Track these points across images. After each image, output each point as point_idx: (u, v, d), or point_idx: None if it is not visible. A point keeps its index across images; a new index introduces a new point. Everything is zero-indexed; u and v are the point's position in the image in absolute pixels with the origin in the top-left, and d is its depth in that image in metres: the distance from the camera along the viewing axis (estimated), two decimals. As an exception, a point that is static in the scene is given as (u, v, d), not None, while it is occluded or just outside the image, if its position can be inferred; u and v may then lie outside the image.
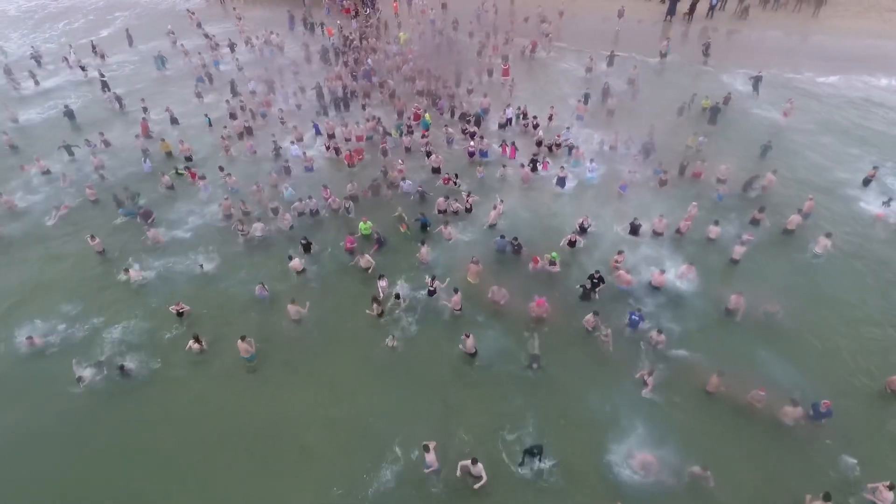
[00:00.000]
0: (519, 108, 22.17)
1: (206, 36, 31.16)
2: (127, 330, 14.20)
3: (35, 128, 24.20)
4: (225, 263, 16.20)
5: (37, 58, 29.46)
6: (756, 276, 14.96)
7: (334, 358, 13.42)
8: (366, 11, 34.08)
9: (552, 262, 14.95)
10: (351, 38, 29.71)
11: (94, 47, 30.13)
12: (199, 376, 13.11)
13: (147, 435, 11.93)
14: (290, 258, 15.36)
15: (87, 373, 12.88)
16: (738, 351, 12.99)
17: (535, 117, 21.48)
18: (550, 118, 21.58)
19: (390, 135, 21.42)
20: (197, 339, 13.31)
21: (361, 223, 16.58)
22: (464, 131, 21.32)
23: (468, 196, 17.61)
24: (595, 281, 14.26)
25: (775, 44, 27.31)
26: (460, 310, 14.10)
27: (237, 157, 21.03)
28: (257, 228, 16.80)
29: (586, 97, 22.58)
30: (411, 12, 33.65)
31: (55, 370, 13.10)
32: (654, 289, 14.55)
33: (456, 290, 14.02)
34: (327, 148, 20.83)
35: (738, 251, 15.22)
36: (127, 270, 15.45)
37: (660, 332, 12.99)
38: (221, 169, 19.39)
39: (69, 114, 24.04)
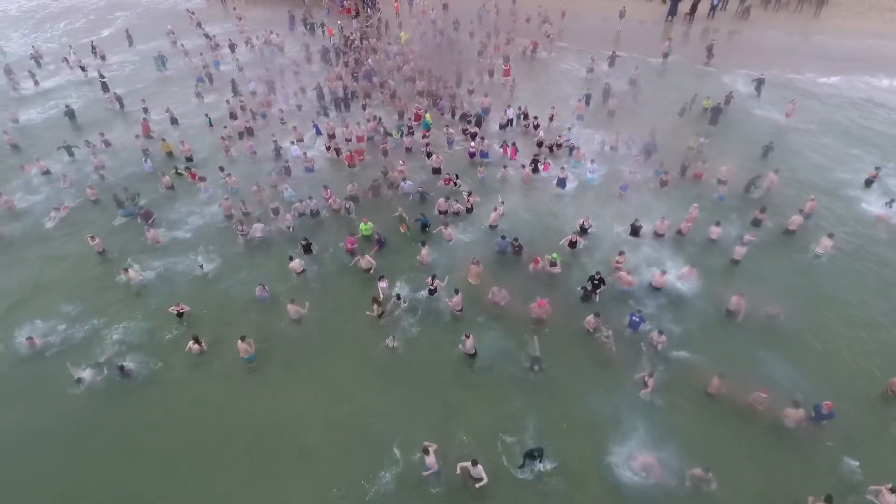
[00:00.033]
0: (520, 109, 22.13)
1: (207, 36, 31.14)
2: (127, 330, 14.19)
3: (35, 128, 24.20)
4: (225, 264, 16.18)
5: (37, 58, 29.45)
6: (757, 276, 14.93)
7: (334, 358, 13.40)
8: (366, 11, 34.05)
9: (553, 263, 14.92)
10: (351, 38, 29.68)
11: (93, 48, 30.12)
12: (199, 377, 13.10)
13: (147, 435, 11.92)
14: (291, 259, 15.34)
15: (86, 374, 12.88)
16: (740, 352, 12.96)
17: (535, 118, 21.45)
18: (551, 119, 21.54)
19: (391, 135, 21.39)
20: (197, 340, 13.29)
21: (362, 224, 16.56)
22: (464, 132, 21.29)
23: (469, 196, 17.58)
24: (596, 282, 14.23)
25: (776, 44, 27.27)
26: (461, 310, 14.08)
27: (237, 157, 21.00)
28: (257, 229, 16.78)
29: (587, 98, 22.55)
30: (412, 12, 33.62)
31: (55, 370, 13.08)
32: (655, 290, 14.52)
33: (457, 291, 14.00)
34: (328, 148, 20.81)
35: (739, 252, 15.19)
36: (126, 270, 15.43)
37: (660, 333, 12.96)
38: (222, 169, 19.37)
39: (70, 114, 24.04)
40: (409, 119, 22.30)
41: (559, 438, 11.34)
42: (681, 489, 10.38)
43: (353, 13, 33.99)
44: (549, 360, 12.85)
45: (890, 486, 9.83)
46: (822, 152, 19.92)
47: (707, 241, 16.05)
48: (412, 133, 21.26)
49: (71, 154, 21.17)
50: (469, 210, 17.47)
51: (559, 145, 20.21)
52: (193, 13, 34.39)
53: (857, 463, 10.69)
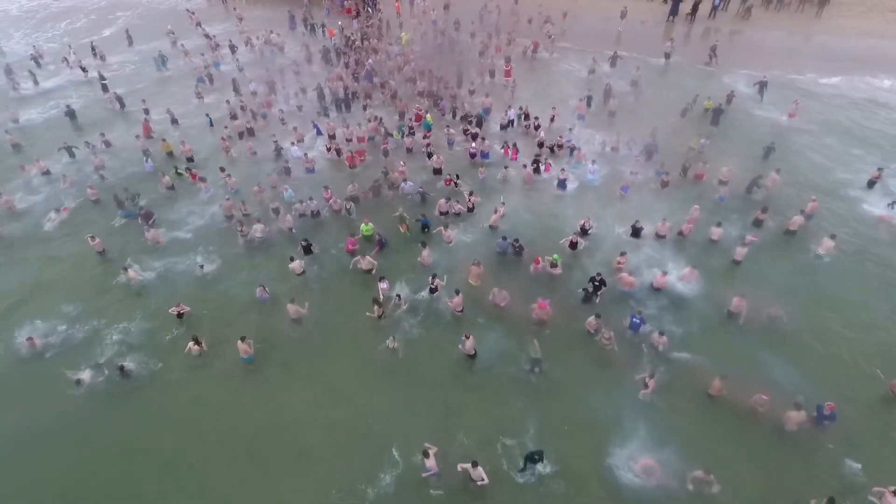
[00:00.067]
0: (521, 109, 22.10)
1: (207, 36, 31.13)
2: (127, 331, 14.18)
3: (36, 128, 24.20)
4: (225, 264, 16.16)
5: (36, 58, 29.43)
6: (758, 277, 14.89)
7: (334, 359, 13.38)
8: (367, 11, 34.02)
9: (554, 265, 14.89)
10: (352, 38, 29.65)
11: (93, 48, 30.12)
12: (199, 377, 13.08)
13: (147, 435, 11.91)
14: (292, 259, 15.31)
15: (86, 374, 12.86)
16: (741, 353, 12.93)
17: (536, 118, 21.42)
18: (552, 120, 21.52)
19: (392, 136, 21.37)
20: (196, 341, 13.28)
21: (363, 225, 16.53)
22: (465, 132, 21.26)
23: (470, 195, 17.55)
24: (597, 283, 14.19)
25: (778, 44, 27.21)
26: (461, 311, 14.05)
27: (238, 157, 20.99)
28: (257, 229, 16.76)
29: (589, 99, 22.50)
30: (413, 12, 33.59)
31: (55, 371, 13.08)
32: (656, 291, 14.49)
33: (457, 292, 13.97)
34: (328, 149, 20.79)
35: (740, 252, 15.16)
36: (126, 270, 15.41)
37: (661, 334, 12.92)
38: (222, 170, 19.35)
39: (70, 114, 24.04)
40: (410, 120, 22.28)
41: (560, 440, 11.30)
42: (682, 491, 10.35)
43: (354, 13, 33.96)
44: (549, 362, 12.82)
45: (893, 488, 9.79)
46: (823, 153, 19.88)
47: (708, 242, 16.01)
48: (413, 133, 21.23)
49: (71, 155, 21.16)
50: (470, 210, 17.44)
51: (560, 146, 20.17)
52: (193, 13, 34.40)
53: (859, 465, 10.65)
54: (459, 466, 10.58)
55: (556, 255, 15.01)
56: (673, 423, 11.53)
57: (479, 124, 21.73)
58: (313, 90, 24.46)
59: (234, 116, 23.02)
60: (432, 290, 14.47)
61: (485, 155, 20.14)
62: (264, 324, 14.23)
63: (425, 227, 16.68)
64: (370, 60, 26.82)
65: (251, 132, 22.20)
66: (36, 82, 27.60)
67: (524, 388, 12.44)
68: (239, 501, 10.77)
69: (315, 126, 22.05)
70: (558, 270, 14.95)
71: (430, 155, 19.78)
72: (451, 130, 21.16)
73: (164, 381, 13.03)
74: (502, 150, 20.10)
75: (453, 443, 11.30)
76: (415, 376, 12.82)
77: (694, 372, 12.45)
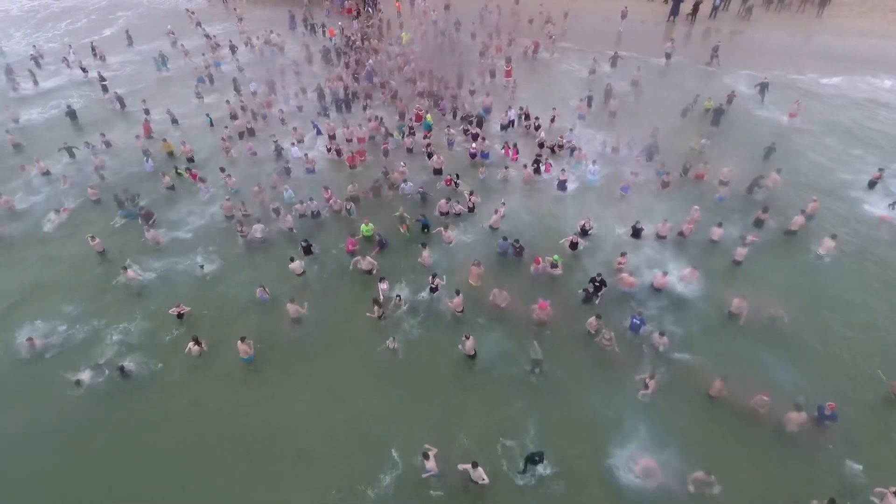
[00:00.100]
0: (521, 109, 22.08)
1: (207, 36, 31.14)
2: (127, 331, 14.18)
3: (36, 128, 24.20)
4: (226, 265, 16.15)
5: (36, 59, 29.43)
6: (759, 277, 14.87)
7: (334, 360, 13.36)
8: (367, 12, 34.01)
9: (554, 265, 14.87)
10: (353, 38, 29.64)
11: (93, 49, 30.13)
12: (199, 378, 13.06)
13: (147, 436, 11.90)
14: (292, 260, 15.30)
15: (85, 375, 12.85)
16: (741, 354, 12.90)
17: (537, 118, 21.40)
18: (553, 120, 21.50)
19: (392, 136, 21.36)
20: (196, 341, 13.27)
21: (363, 225, 16.52)
22: (465, 132, 21.25)
23: (471, 195, 17.54)
24: (597, 284, 14.17)
25: (779, 44, 27.18)
26: (462, 311, 14.03)
27: (238, 158, 20.98)
28: (257, 230, 16.75)
29: (589, 100, 22.47)
30: (413, 13, 33.57)
31: (55, 371, 13.07)
32: (657, 291, 14.47)
33: (458, 292, 13.95)
34: (328, 150, 20.78)
35: (741, 253, 15.14)
36: (125, 269, 15.41)
37: (662, 334, 12.90)
38: (223, 170, 19.34)
39: (71, 114, 24.04)
40: (411, 120, 22.26)
41: (560, 441, 11.28)
42: (683, 492, 10.32)
43: (354, 13, 33.94)
44: (550, 363, 12.80)
45: (895, 488, 9.76)
46: (824, 153, 19.85)
47: (709, 243, 15.99)
48: (413, 134, 21.22)
49: (72, 155, 21.16)
50: (471, 210, 17.42)
51: (561, 146, 20.15)
52: (193, 13, 34.40)
53: (860, 466, 10.63)
54: (460, 467, 10.56)
55: (556, 256, 14.99)
56: (673, 424, 11.51)
57: (480, 124, 21.72)
58: (313, 90, 24.45)
59: (234, 116, 23.02)
60: (433, 290, 14.46)
61: (485, 155, 20.13)
62: (264, 324, 14.22)
63: (425, 227, 16.66)
64: (370, 61, 26.83)
65: (251, 132, 22.21)
66: (36, 82, 27.61)
67: (524, 388, 12.43)
68: (239, 502, 10.75)
69: (314, 125, 22.04)
70: (559, 271, 14.94)
71: (430, 155, 19.77)
72: (452, 131, 21.14)
73: (164, 381, 13.02)
74: (503, 151, 20.09)
75: (453, 444, 11.28)
76: (415, 377, 12.81)
77: (694, 373, 12.43)
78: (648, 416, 11.66)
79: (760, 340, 13.15)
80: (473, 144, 20.14)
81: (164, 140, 21.58)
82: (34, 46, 31.03)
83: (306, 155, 20.06)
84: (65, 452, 11.68)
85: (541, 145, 20.16)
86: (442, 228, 16.38)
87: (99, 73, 27.15)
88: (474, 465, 10.27)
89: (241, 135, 22.07)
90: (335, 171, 20.24)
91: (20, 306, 15.09)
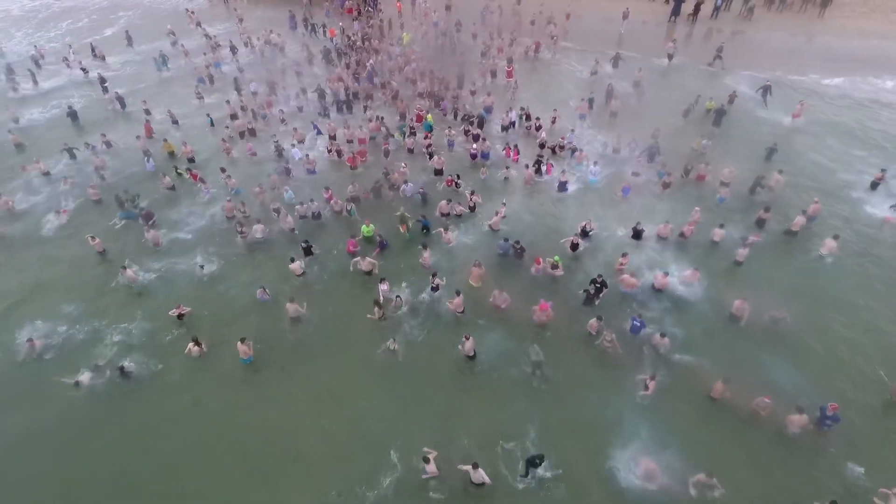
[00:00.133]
0: (522, 110, 22.04)
1: (207, 36, 31.13)
2: (127, 331, 14.16)
3: (37, 128, 24.19)
4: (226, 265, 16.13)
5: (36, 59, 29.41)
6: (760, 278, 14.82)
7: (334, 361, 13.33)
8: (368, 12, 33.98)
9: (555, 266, 14.83)
10: (353, 38, 29.62)
11: (93, 49, 30.12)
12: (199, 379, 13.04)
13: (146, 436, 11.89)
14: (292, 260, 15.27)
15: (85, 377, 12.81)
16: (743, 356, 12.85)
17: (538, 119, 21.35)
18: (554, 121, 21.46)
19: (393, 136, 21.33)
20: (196, 342, 13.25)
21: (364, 226, 16.49)
22: (466, 133, 21.21)
23: (472, 195, 17.51)
24: (598, 285, 14.13)
25: (780, 45, 27.11)
26: (462, 312, 14.00)
27: (238, 158, 20.96)
28: (257, 230, 16.73)
29: (591, 102, 22.42)
30: (414, 13, 33.53)
31: (55, 371, 13.03)
32: (658, 292, 14.43)
33: (458, 293, 13.92)
34: (329, 150, 20.75)
35: (742, 253, 15.09)
36: (124, 269, 15.38)
37: (663, 335, 12.85)
38: (223, 170, 19.32)
39: (72, 114, 24.03)
40: (412, 120, 22.23)
41: (561, 443, 11.25)
42: (684, 495, 10.28)
43: (355, 14, 33.92)
44: (550, 364, 12.77)
45: (898, 490, 9.73)
46: (825, 154, 19.78)
47: (710, 244, 15.94)
48: (414, 134, 21.18)
49: (73, 156, 21.15)
50: (472, 209, 17.39)
51: (562, 147, 20.10)
52: (193, 12, 34.39)
53: (862, 469, 10.59)
54: (460, 467, 10.53)
55: (557, 257, 14.95)
56: (674, 426, 11.46)
57: (481, 124, 21.69)
58: (314, 91, 24.42)
59: (234, 117, 23.00)
60: (434, 289, 14.42)
61: (485, 155, 20.09)
62: (264, 325, 14.20)
63: (425, 228, 16.62)
64: (371, 61, 26.79)
65: (252, 132, 22.19)
66: (35, 82, 27.59)
67: (525, 390, 12.39)
68: (238, 503, 10.72)
69: (315, 127, 22.01)
70: (559, 272, 14.90)
71: (431, 156, 19.74)
72: (453, 131, 21.10)
73: (163, 381, 13.00)
74: (503, 152, 20.05)
75: (454, 445, 11.25)
76: (415, 378, 12.78)
77: (696, 374, 12.39)
78: (649, 417, 11.62)
79: (762, 342, 13.11)
80: (474, 145, 20.10)
81: (165, 140, 21.58)
82: (35, 46, 31.03)
83: (307, 155, 20.04)
84: (65, 452, 11.67)
85: (542, 146, 20.12)
86: (442, 230, 16.35)
87: (99, 73, 27.11)
88: (475, 467, 10.24)
89: (241, 135, 22.05)
90: (336, 172, 20.21)
91: (20, 306, 15.08)
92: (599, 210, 17.32)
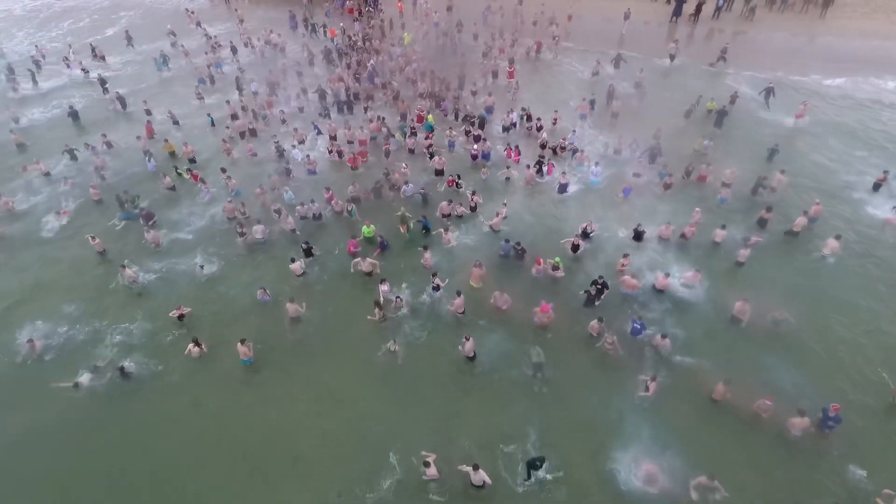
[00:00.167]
0: (523, 110, 22.01)
1: (207, 36, 31.13)
2: (128, 332, 14.16)
3: (38, 128, 24.20)
4: (226, 266, 16.12)
5: (36, 59, 29.40)
6: (762, 279, 14.78)
7: (334, 362, 13.32)
8: (369, 12, 33.96)
9: (556, 267, 14.80)
10: (354, 39, 29.60)
11: (93, 49, 30.12)
12: (199, 380, 13.03)
13: (146, 437, 11.88)
14: (293, 260, 15.25)
15: (84, 378, 12.79)
16: (744, 357, 12.82)
17: (539, 119, 21.32)
18: (555, 122, 21.43)
19: (394, 137, 21.31)
20: (197, 343, 13.24)
21: (365, 227, 16.46)
22: (467, 133, 21.19)
23: (473, 195, 17.47)
24: (599, 287, 14.09)
25: (782, 45, 27.05)
26: (463, 313, 13.98)
27: (239, 158, 20.94)
28: (257, 231, 16.71)
29: (592, 103, 22.38)
30: (415, 13, 33.51)
31: (56, 372, 13.04)
32: (659, 293, 14.39)
33: (459, 294, 13.89)
34: (330, 151, 20.73)
35: (743, 254, 15.06)
36: (123, 268, 15.37)
37: (664, 336, 12.81)
38: (223, 171, 19.31)
39: (73, 115, 24.04)
40: (412, 121, 22.21)
41: (561, 445, 11.22)
42: (685, 498, 10.24)
43: (356, 14, 33.90)
44: (551, 366, 12.73)
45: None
46: (827, 155, 19.73)
47: (711, 245, 15.90)
48: (415, 135, 21.16)
49: (73, 157, 21.14)
50: (473, 209, 17.36)
51: (563, 147, 20.07)
52: (193, 13, 34.39)
53: (864, 472, 10.55)
54: (461, 468, 10.50)
55: (557, 258, 14.92)
56: (675, 428, 11.43)
57: (482, 125, 21.66)
58: (315, 91, 24.41)
59: (235, 117, 22.99)
60: (435, 289, 14.40)
61: (486, 156, 20.06)
62: (264, 326, 14.18)
63: (426, 228, 16.59)
64: (372, 61, 26.77)
65: (253, 133, 22.18)
66: (35, 82, 27.59)
67: (525, 391, 12.36)
68: (238, 503, 10.74)
69: (316, 127, 21.99)
70: (560, 273, 14.87)
71: (431, 156, 19.71)
72: (454, 132, 21.07)
73: (164, 382, 12.99)
74: (504, 152, 20.02)
75: (454, 447, 11.22)
76: (415, 379, 12.75)
77: (697, 376, 12.35)
78: (650, 419, 11.58)
79: (763, 343, 13.07)
80: (475, 146, 20.08)
81: (166, 140, 21.58)
82: (36, 46, 31.05)
83: (308, 156, 20.02)
84: (65, 453, 11.66)
85: (543, 146, 20.09)
86: (442, 230, 16.32)
87: (99, 74, 27.08)
88: (475, 468, 10.21)
89: (242, 135, 22.04)
90: (336, 173, 20.19)
91: (20, 307, 15.08)
92: (600, 211, 17.29)
